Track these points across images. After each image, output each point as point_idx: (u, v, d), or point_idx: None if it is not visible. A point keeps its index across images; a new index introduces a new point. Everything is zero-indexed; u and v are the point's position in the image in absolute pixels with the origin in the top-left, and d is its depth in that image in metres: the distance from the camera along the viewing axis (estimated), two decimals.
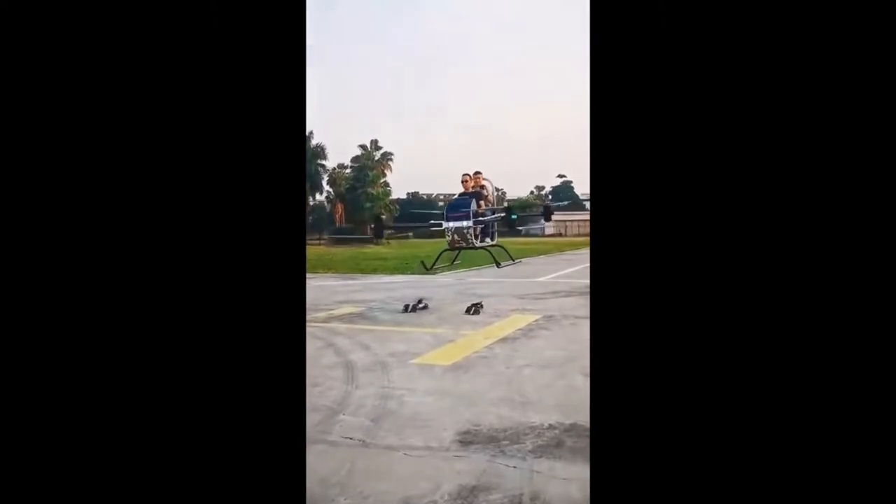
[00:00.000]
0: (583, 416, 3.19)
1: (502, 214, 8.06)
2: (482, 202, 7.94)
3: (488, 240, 8.12)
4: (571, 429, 3.05)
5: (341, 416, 3.29)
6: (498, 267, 8.46)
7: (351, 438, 2.95)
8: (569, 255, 23.14)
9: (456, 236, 7.63)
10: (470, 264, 17.95)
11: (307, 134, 40.55)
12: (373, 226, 9.79)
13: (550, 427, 3.08)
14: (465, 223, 7.56)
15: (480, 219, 7.70)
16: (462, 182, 8.28)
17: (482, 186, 8.25)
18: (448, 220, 7.68)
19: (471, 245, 7.65)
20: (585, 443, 2.85)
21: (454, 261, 9.31)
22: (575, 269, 15.75)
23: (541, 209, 9.03)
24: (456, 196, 8.23)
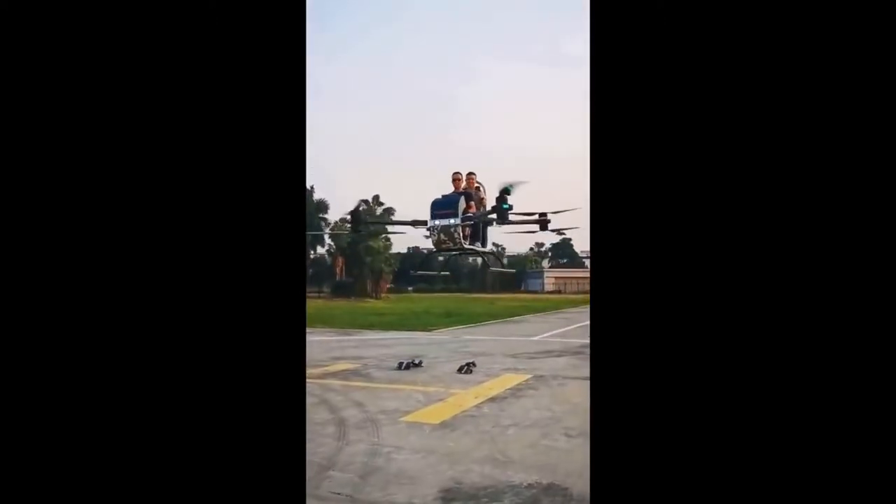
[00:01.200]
0: (561, 476, 3.35)
1: (493, 215, 6.94)
2: (472, 203, 7.02)
3: (479, 244, 7.24)
4: (549, 488, 3.20)
5: (331, 472, 3.45)
6: (488, 269, 7.91)
7: (339, 494, 3.11)
8: (566, 312, 23.28)
9: (442, 235, 6.72)
10: (466, 321, 18.09)
11: (308, 188, 41.32)
12: (350, 217, 8.06)
13: (529, 486, 3.23)
14: (451, 221, 6.64)
15: (469, 215, 6.80)
16: (453, 181, 7.24)
17: (477, 188, 7.29)
18: (433, 217, 6.75)
19: (458, 246, 6.85)
20: (561, 502, 3.01)
21: (441, 270, 8.76)
22: (570, 328, 15.87)
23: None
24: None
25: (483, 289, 55.81)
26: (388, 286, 44.80)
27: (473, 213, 6.87)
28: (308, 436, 4.18)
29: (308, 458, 3.70)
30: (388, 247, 45.64)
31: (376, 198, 48.32)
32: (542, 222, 7.09)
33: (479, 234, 7.17)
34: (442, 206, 6.77)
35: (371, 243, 43.06)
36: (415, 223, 7.21)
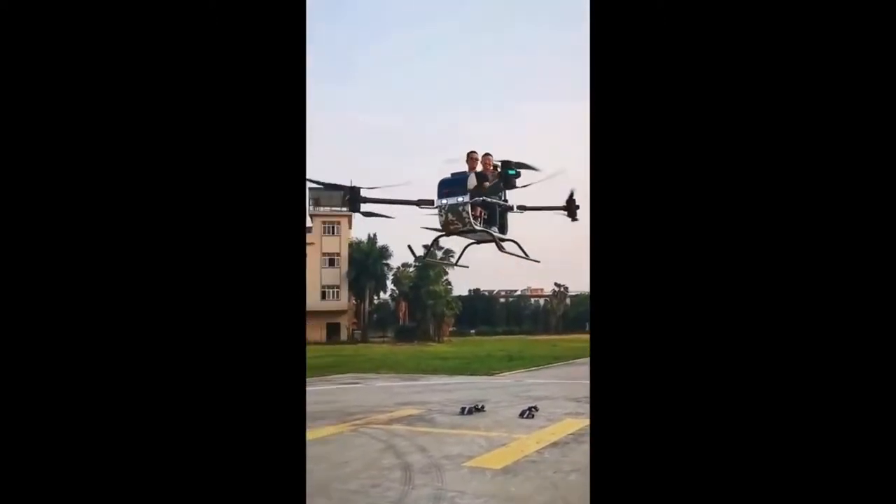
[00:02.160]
0: None
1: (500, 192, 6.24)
2: (487, 184, 6.27)
3: (496, 229, 6.32)
4: None
5: None
6: (500, 250, 6.62)
7: None
8: None
9: (450, 216, 6.02)
10: (529, 364, 17.99)
11: (371, 236, 42.34)
12: (347, 197, 6.57)
13: None
14: (459, 199, 5.97)
15: (480, 192, 6.09)
16: (468, 160, 6.39)
17: (494, 169, 6.36)
18: (440, 196, 6.10)
19: (468, 227, 6.05)
20: None
21: (457, 261, 7.40)
22: None
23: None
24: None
25: (546, 330, 55.07)
26: (450, 329, 44.95)
27: (485, 191, 6.15)
28: (376, 480, 4.45)
29: (376, 501, 3.93)
30: (450, 290, 46.00)
31: (436, 241, 48.86)
32: (571, 208, 6.30)
33: (495, 219, 6.29)
34: (449, 185, 6.11)
35: (433, 287, 43.58)
36: (420, 203, 6.34)
